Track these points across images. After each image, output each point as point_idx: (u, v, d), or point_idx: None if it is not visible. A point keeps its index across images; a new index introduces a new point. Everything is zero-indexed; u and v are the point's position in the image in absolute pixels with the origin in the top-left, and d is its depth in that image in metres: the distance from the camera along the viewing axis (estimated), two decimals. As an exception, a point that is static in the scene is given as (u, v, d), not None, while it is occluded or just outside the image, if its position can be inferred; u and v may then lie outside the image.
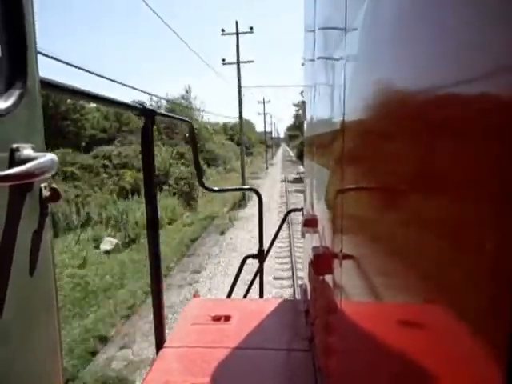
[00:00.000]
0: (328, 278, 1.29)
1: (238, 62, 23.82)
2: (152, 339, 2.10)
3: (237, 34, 24.94)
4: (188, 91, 31.76)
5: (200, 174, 2.78)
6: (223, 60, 23.91)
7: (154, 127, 1.76)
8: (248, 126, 62.73)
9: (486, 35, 0.32)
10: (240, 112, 23.02)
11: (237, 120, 56.53)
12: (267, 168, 41.87)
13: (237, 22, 24.79)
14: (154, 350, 2.00)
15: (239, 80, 23.24)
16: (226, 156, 33.69)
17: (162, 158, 19.00)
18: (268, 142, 76.06)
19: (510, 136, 0.29)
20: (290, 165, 46.23)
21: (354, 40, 0.87)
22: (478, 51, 0.33)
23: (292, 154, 76.79)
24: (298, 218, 9.07)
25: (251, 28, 25.67)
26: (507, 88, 0.29)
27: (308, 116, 2.45)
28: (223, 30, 24.87)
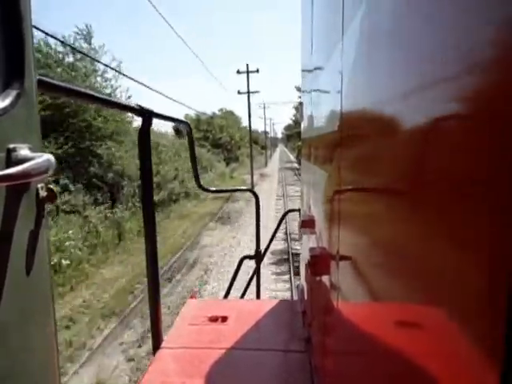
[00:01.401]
0: (325, 278, 1.29)
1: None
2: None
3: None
4: (87, 36, 14.71)
5: (197, 174, 2.79)
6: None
7: None
8: (231, 119, 45.23)
9: (484, 37, 0.32)
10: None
11: (215, 112, 41.42)
12: (254, 185, 23.62)
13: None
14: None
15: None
16: (168, 175, 17.78)
17: None
18: (262, 143, 64.93)
19: (508, 137, 0.29)
20: (292, 177, 30.25)
21: (352, 42, 0.87)
22: (476, 52, 0.34)
23: (292, 157, 62.69)
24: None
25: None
26: (506, 90, 0.29)
27: (305, 117, 2.46)
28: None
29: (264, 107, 62.02)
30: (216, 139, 36.05)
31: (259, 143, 74.39)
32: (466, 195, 0.36)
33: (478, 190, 0.34)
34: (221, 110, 46.56)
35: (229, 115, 46.82)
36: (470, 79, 0.35)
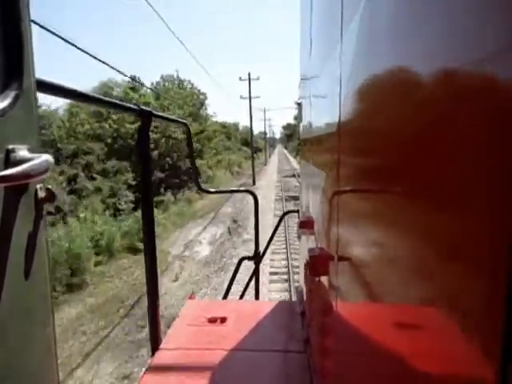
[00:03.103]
0: (324, 279, 1.29)
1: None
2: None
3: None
4: None
5: (196, 175, 2.80)
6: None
7: None
8: (186, 96, 25.51)
9: (484, 32, 0.32)
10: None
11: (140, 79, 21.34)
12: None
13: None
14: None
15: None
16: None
17: None
18: (256, 144, 50.47)
19: (508, 136, 0.29)
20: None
21: (350, 43, 0.87)
22: (476, 49, 0.33)
23: (295, 163, 44.82)
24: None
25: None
26: (506, 89, 0.29)
27: (304, 118, 2.46)
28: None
29: (249, 80, 29.99)
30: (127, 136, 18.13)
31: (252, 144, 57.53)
32: (465, 195, 0.36)
33: (477, 190, 0.33)
34: (170, 77, 24.99)
35: (181, 89, 24.76)
36: (470, 80, 0.35)
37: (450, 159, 0.39)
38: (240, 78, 27.61)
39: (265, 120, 67.55)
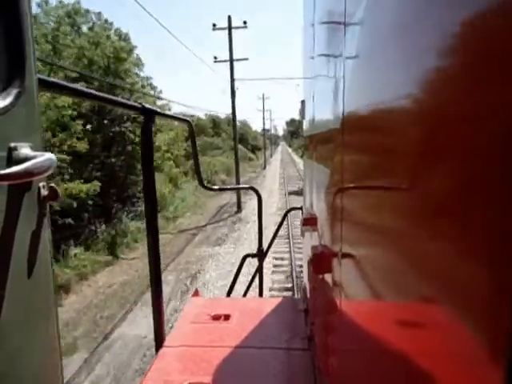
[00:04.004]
0: (327, 277, 1.29)
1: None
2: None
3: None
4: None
5: (199, 172, 2.80)
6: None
7: None
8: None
9: (489, 30, 0.32)
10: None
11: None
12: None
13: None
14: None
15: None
16: None
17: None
18: (253, 142, 44.35)
19: (509, 135, 0.29)
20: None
21: (354, 36, 0.86)
22: (482, 51, 0.33)
23: (302, 165, 17.15)
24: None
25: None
26: (509, 85, 0.29)
27: (307, 114, 2.45)
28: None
29: (230, 28, 18.16)
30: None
31: (248, 142, 48.05)
32: (470, 193, 0.35)
33: (482, 188, 0.33)
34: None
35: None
36: (475, 79, 0.35)
37: (456, 156, 0.38)
38: (214, 25, 18.05)
39: (264, 110, 55.12)
